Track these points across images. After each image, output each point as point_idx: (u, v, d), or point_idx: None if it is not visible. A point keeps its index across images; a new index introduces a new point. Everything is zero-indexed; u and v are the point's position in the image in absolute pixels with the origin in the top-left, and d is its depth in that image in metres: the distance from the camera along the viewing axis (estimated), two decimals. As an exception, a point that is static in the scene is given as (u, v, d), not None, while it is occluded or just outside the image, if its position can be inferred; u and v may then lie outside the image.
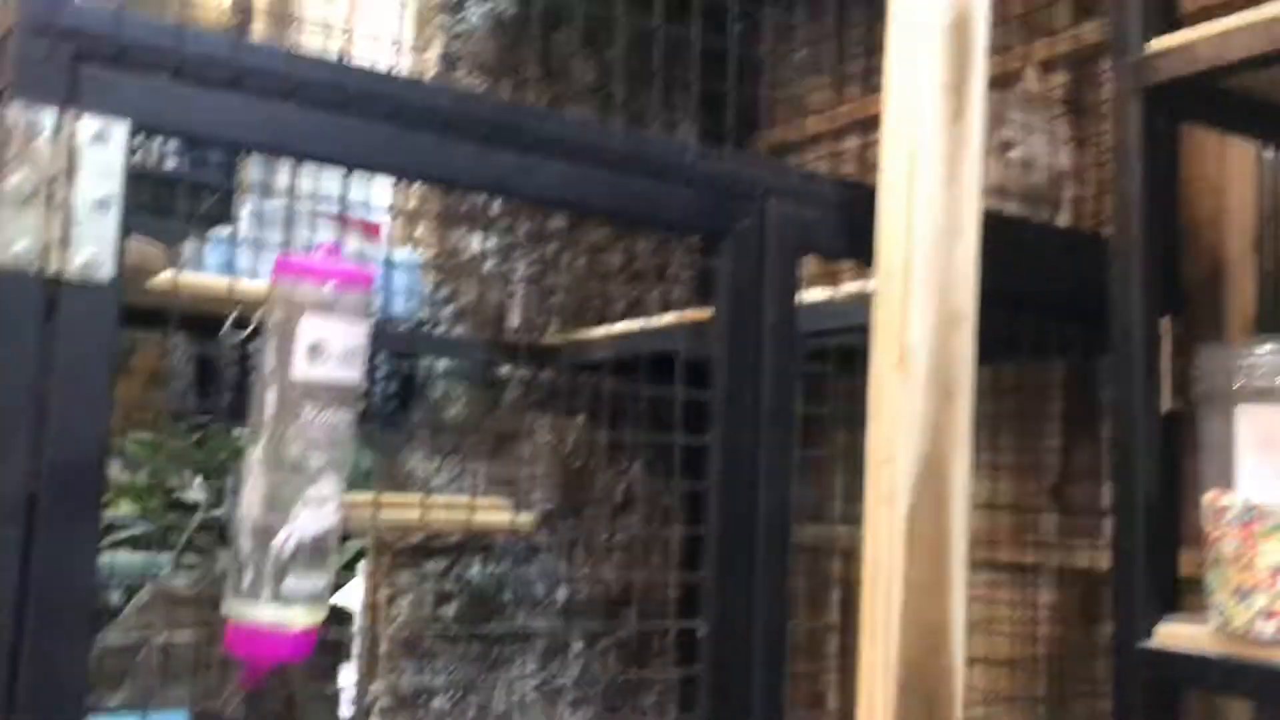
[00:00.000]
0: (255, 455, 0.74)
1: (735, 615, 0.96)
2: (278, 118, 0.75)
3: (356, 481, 1.89)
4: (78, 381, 0.70)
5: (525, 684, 1.84)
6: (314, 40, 0.82)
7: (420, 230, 1.85)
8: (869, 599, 0.95)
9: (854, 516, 1.68)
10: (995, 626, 1.39)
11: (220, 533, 1.98)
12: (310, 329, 0.72)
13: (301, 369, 0.72)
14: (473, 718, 1.79)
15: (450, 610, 1.79)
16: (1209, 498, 0.89)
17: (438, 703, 1.77)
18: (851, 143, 1.83)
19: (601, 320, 1.86)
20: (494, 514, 1.70)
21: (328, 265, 0.73)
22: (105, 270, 0.72)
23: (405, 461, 1.81)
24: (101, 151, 0.72)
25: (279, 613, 0.72)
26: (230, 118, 0.75)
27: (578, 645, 1.91)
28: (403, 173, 0.86)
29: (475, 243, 1.87)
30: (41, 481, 0.69)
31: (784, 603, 0.98)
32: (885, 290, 0.97)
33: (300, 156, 0.81)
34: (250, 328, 0.73)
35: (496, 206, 1.87)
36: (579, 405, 1.94)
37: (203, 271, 1.50)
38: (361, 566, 2.33)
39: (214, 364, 1.59)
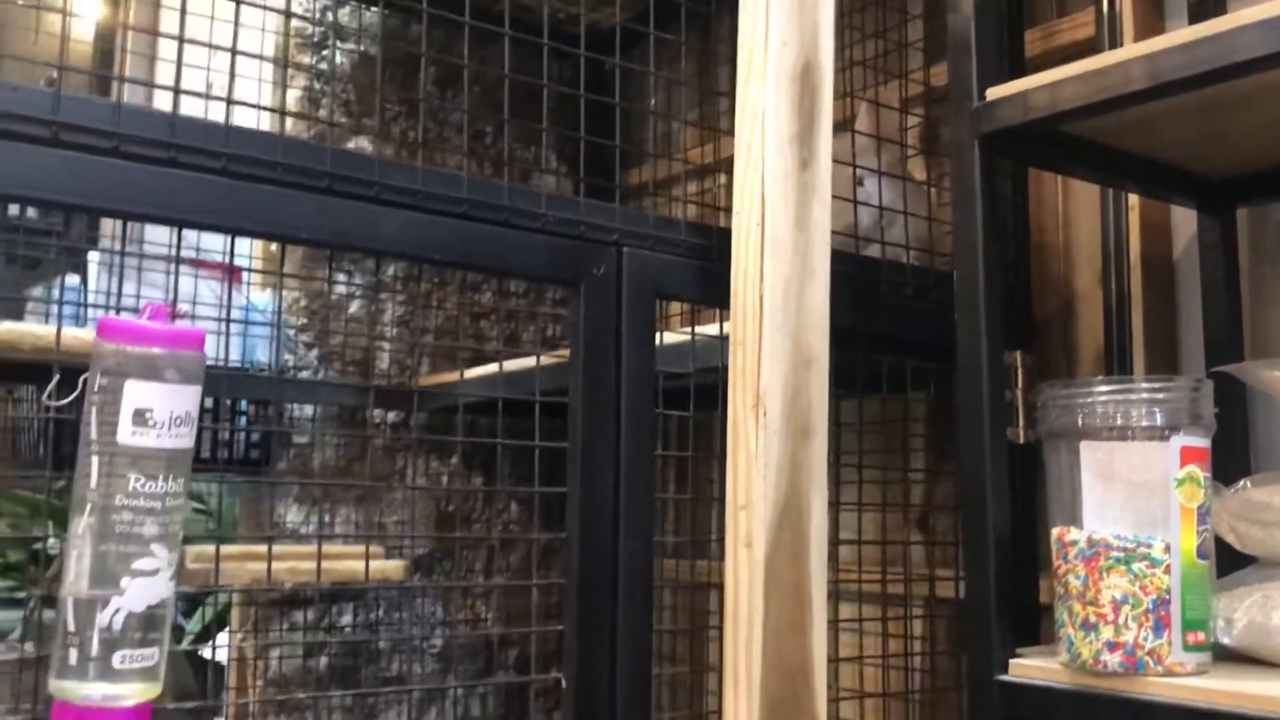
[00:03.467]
0: (80, 526, 0.70)
1: (597, 665, 0.95)
2: (99, 174, 0.73)
3: (222, 532, 1.83)
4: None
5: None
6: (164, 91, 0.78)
7: (283, 274, 1.80)
8: (730, 642, 0.94)
9: (708, 550, 1.69)
10: (866, 658, 1.40)
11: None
12: (135, 394, 0.69)
13: (126, 436, 0.69)
14: (347, 772, 1.74)
15: (322, 661, 1.75)
16: (1055, 533, 0.91)
17: (310, 759, 1.71)
18: (723, 179, 1.85)
19: (476, 360, 1.84)
20: (361, 563, 1.66)
21: (154, 327, 0.71)
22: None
23: (273, 509, 1.76)
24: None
25: (109, 689, 0.69)
26: (49, 177, 0.72)
27: (456, 691, 1.88)
28: (238, 230, 0.83)
29: (341, 285, 1.83)
30: None
31: (646, 651, 0.97)
32: (739, 334, 0.97)
33: (127, 216, 0.78)
34: (73, 392, 0.70)
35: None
36: (451, 448, 1.91)
37: (51, 322, 1.44)
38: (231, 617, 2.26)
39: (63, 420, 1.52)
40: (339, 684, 1.76)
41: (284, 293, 1.82)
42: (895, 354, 1.25)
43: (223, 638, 2.22)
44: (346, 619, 1.79)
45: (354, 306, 1.85)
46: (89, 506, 0.70)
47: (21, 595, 1.95)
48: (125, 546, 0.69)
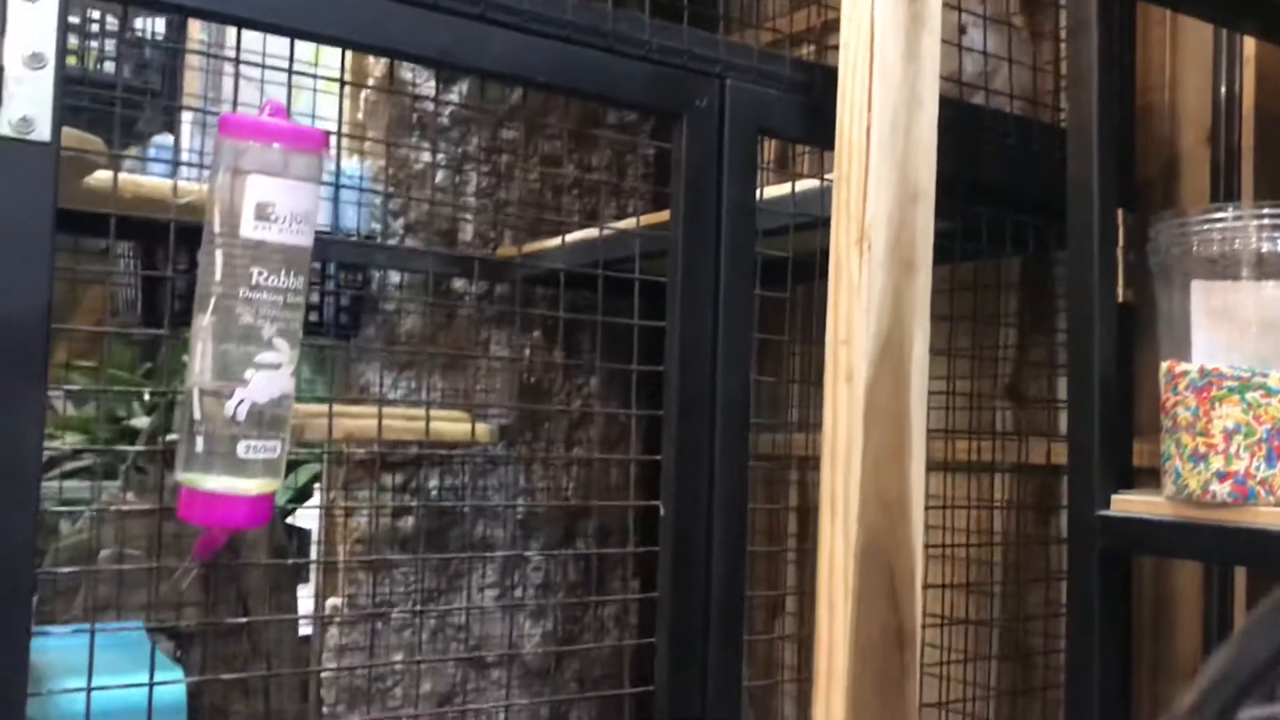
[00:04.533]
0: (203, 322, 0.72)
1: (695, 493, 0.96)
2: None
3: (311, 395, 1.87)
4: (17, 243, 0.68)
5: (485, 595, 1.84)
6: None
7: (369, 142, 1.81)
8: (828, 475, 0.95)
9: (808, 426, 1.69)
10: (952, 522, 1.40)
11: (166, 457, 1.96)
12: (257, 189, 0.70)
13: (249, 230, 0.70)
14: (432, 629, 1.79)
15: (408, 523, 1.79)
16: (1166, 365, 0.89)
17: (397, 614, 1.76)
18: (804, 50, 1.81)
19: (556, 234, 1.84)
20: (452, 425, 1.69)
21: (276, 123, 0.71)
22: (42, 130, 0.69)
23: (359, 375, 1.79)
24: (31, 6, 0.69)
25: (233, 479, 0.71)
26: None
27: (536, 557, 1.91)
28: (344, 40, 0.83)
29: (425, 155, 1.84)
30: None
31: (743, 481, 0.98)
32: (844, 167, 0.96)
33: (238, 21, 0.78)
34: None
35: (446, 117, 1.84)
36: (532, 322, 1.92)
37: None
38: (317, 487, 2.32)
39: (159, 273, 1.55)
40: (426, 546, 1.80)
41: (369, 162, 1.82)
42: (994, 207, 1.23)
43: (311, 503, 2.28)
44: (433, 482, 1.82)
45: (439, 177, 1.86)
46: (213, 301, 0.71)
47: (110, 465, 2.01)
48: (248, 339, 0.71)
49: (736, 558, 0.98)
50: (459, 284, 1.86)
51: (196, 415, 0.71)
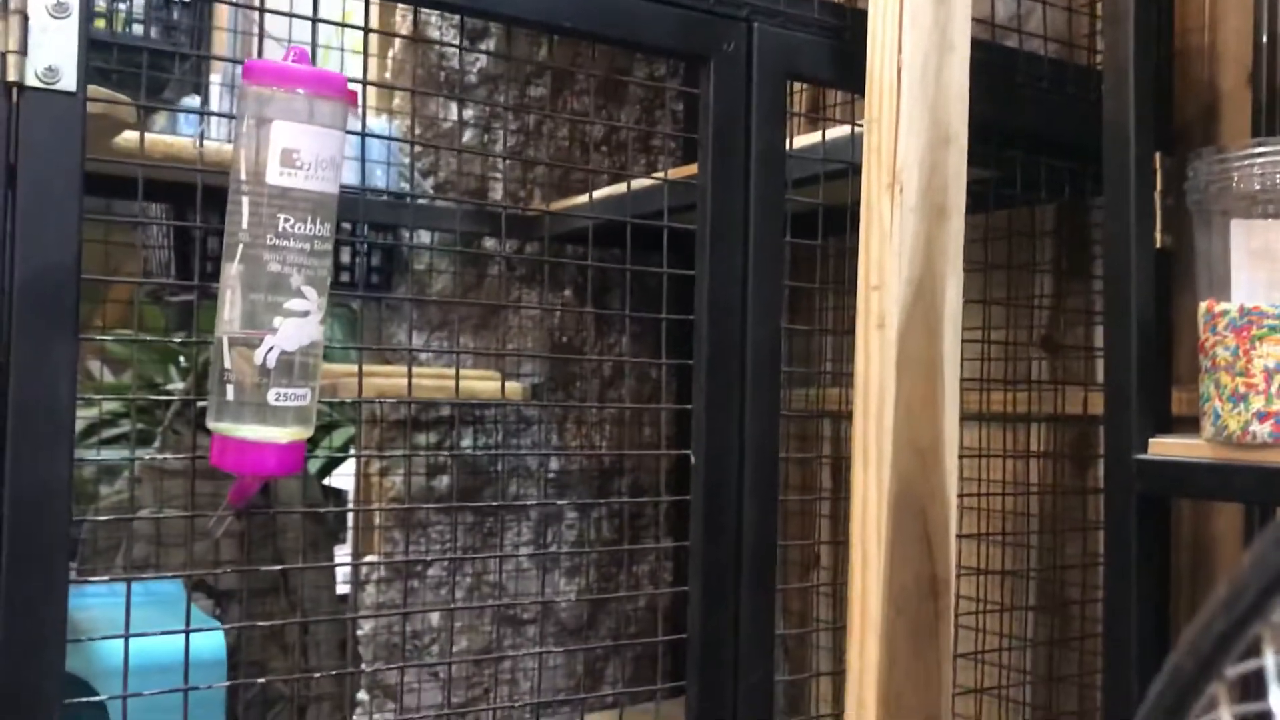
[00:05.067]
0: (231, 271, 0.72)
1: (725, 441, 0.95)
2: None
3: (343, 357, 1.88)
4: (46, 193, 0.68)
5: (520, 552, 1.85)
6: None
7: (397, 100, 1.81)
8: (860, 423, 0.94)
9: (842, 379, 1.68)
10: (987, 473, 1.39)
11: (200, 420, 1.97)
12: (283, 135, 0.70)
13: (275, 175, 0.70)
14: (468, 586, 1.80)
15: (443, 482, 1.79)
16: (1205, 305, 0.88)
17: (433, 572, 1.78)
18: None
19: (585, 193, 1.83)
20: (485, 384, 1.69)
21: (300, 68, 0.71)
22: (68, 80, 0.69)
23: (391, 336, 1.79)
24: (56, -46, 0.69)
25: (264, 426, 0.71)
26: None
27: (571, 515, 1.92)
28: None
29: (454, 113, 1.83)
30: (13, 298, 0.68)
31: (774, 429, 0.98)
32: (875, 111, 0.95)
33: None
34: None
35: (474, 75, 1.83)
36: (562, 280, 1.92)
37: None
38: (352, 449, 2.34)
39: (188, 234, 1.56)
40: (459, 505, 1.81)
41: (397, 121, 1.82)
42: (1029, 152, 1.21)
43: (346, 467, 2.29)
44: (466, 442, 1.83)
45: (467, 135, 1.85)
46: (240, 249, 0.71)
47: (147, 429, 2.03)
48: (276, 287, 0.71)
49: (768, 505, 0.97)
50: (489, 243, 1.86)
51: (226, 364, 0.71)
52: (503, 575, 1.83)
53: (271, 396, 0.71)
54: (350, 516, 1.81)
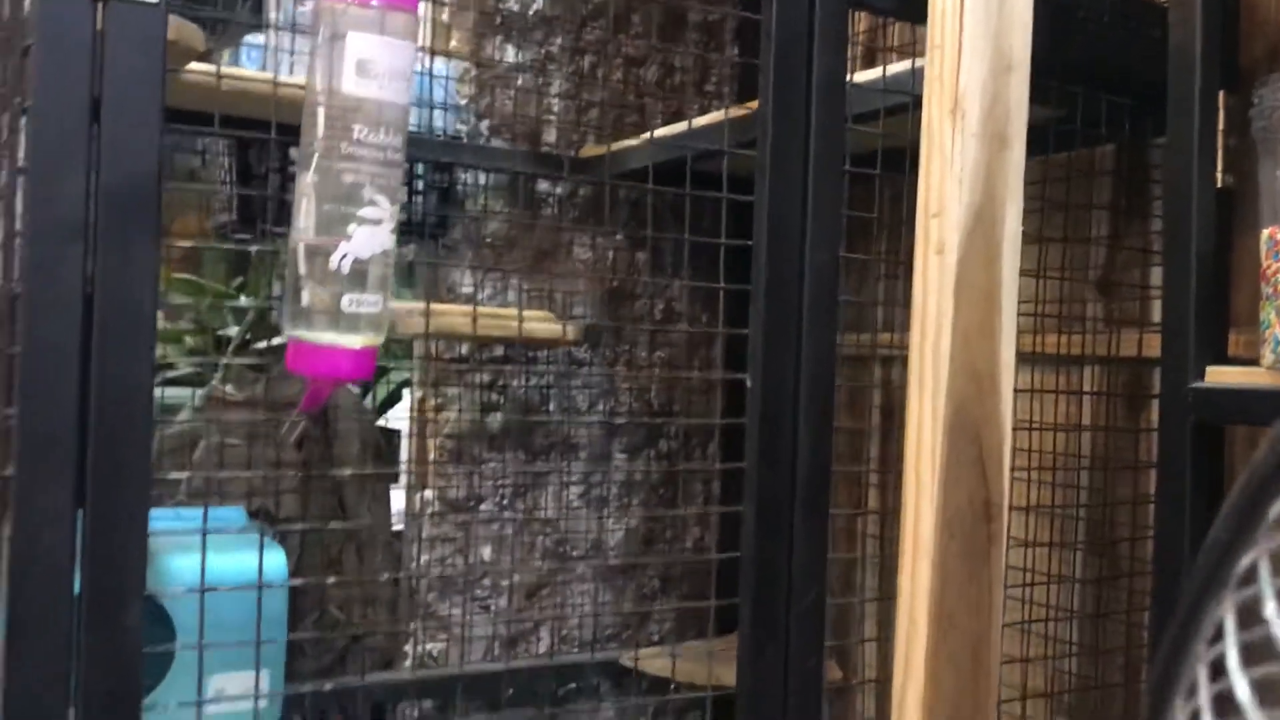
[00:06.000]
0: (306, 180, 0.74)
1: (783, 366, 0.96)
2: None
3: (398, 297, 1.90)
4: (130, 100, 0.70)
5: (570, 491, 1.88)
6: None
7: (454, 42, 1.82)
8: (917, 348, 0.95)
9: (894, 323, 1.68)
10: (1041, 414, 1.39)
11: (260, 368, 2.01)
12: (357, 45, 0.71)
13: (350, 85, 0.71)
14: (520, 522, 1.83)
15: (496, 420, 1.82)
16: (1268, 232, 0.88)
17: (486, 507, 1.81)
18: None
19: (638, 134, 1.84)
20: (539, 324, 1.71)
21: (373, -19, 0.72)
22: (149, -9, 0.71)
23: (446, 277, 1.82)
24: None
25: (337, 332, 0.73)
26: None
27: (620, 456, 1.94)
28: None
29: (510, 55, 1.84)
30: (98, 202, 0.70)
31: (830, 357, 0.99)
32: (937, 37, 0.95)
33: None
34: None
35: (531, 14, 1.84)
36: (617, 220, 1.93)
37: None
38: (406, 392, 2.37)
39: (251, 172, 1.59)
40: (511, 445, 1.84)
41: (453, 63, 1.83)
42: (1090, 89, 1.20)
43: (401, 409, 2.33)
44: (519, 383, 1.85)
45: (520, 80, 1.86)
46: (315, 157, 0.73)
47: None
48: (350, 195, 0.73)
49: (823, 431, 0.98)
50: (543, 186, 1.87)
51: (302, 270, 0.73)
52: (559, 510, 1.85)
53: (345, 303, 0.73)
54: (405, 452, 1.84)
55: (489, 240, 1.83)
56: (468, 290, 1.81)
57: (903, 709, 0.93)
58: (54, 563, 0.67)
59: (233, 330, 2.56)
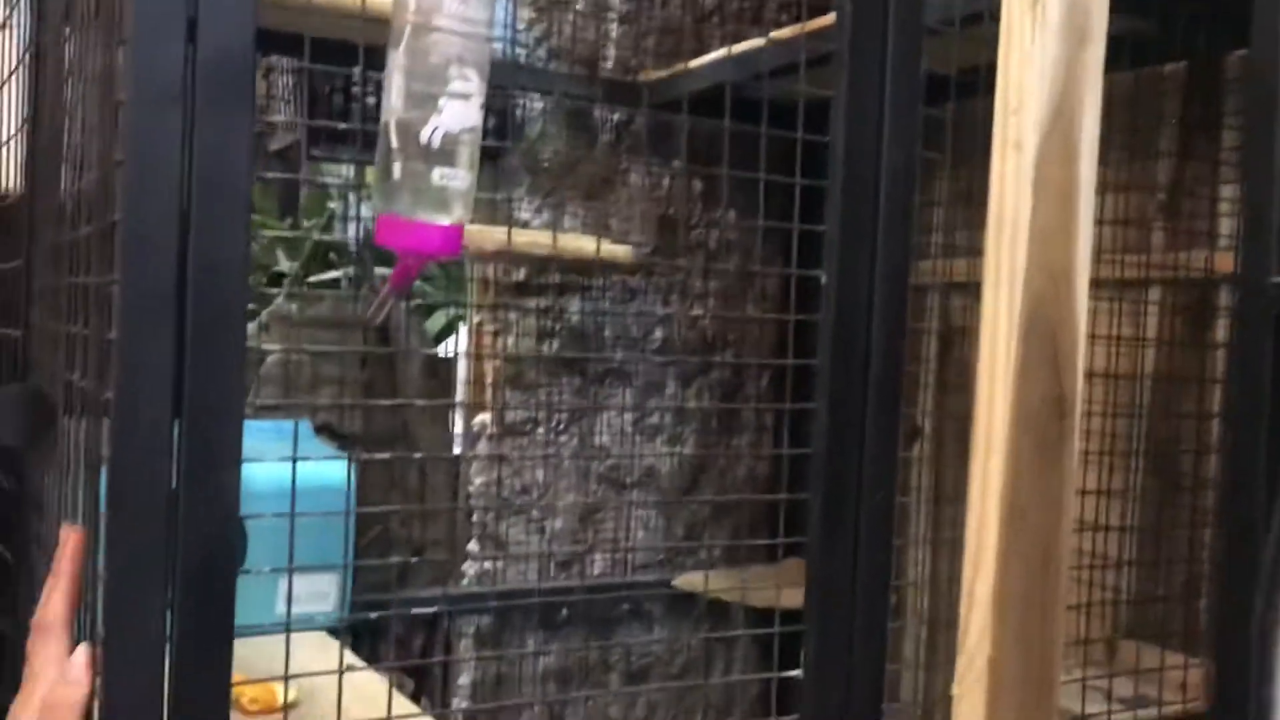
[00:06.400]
0: (397, 55, 0.74)
1: (857, 264, 0.97)
2: None
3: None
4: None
5: (624, 418, 1.90)
6: None
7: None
8: (993, 247, 0.95)
9: (952, 250, 1.67)
10: (1108, 331, 1.38)
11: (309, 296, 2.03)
12: (449, -82, 0.72)
13: (442, -42, 0.72)
14: (575, 447, 1.85)
15: (552, 346, 1.84)
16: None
17: (541, 432, 1.83)
18: None
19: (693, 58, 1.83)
20: (594, 245, 1.72)
21: None
22: None
23: (503, 202, 1.82)
24: None
25: (427, 206, 0.74)
26: None
27: (671, 386, 1.95)
28: None
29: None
30: (195, 70, 0.70)
31: (905, 256, 0.99)
32: (1018, -69, 0.94)
33: None
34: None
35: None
36: (674, 150, 1.93)
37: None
38: (462, 324, 2.40)
39: (317, 91, 1.60)
40: (566, 369, 1.86)
41: (513, -11, 1.83)
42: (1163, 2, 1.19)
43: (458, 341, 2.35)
44: (574, 308, 1.86)
45: (580, 3, 1.86)
46: (405, 30, 0.74)
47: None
48: (440, 69, 0.73)
49: (897, 330, 0.99)
50: (600, 113, 1.87)
51: (393, 144, 0.74)
52: (613, 437, 1.87)
53: (435, 176, 0.74)
54: (462, 373, 1.86)
55: (546, 166, 1.84)
56: (524, 216, 1.82)
57: (971, 604, 0.94)
58: (153, 416, 0.68)
59: (285, 266, 2.59)
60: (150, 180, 0.70)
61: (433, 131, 0.73)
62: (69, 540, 0.70)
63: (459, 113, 0.74)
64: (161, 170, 0.70)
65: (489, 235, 1.58)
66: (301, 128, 1.63)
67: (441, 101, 0.74)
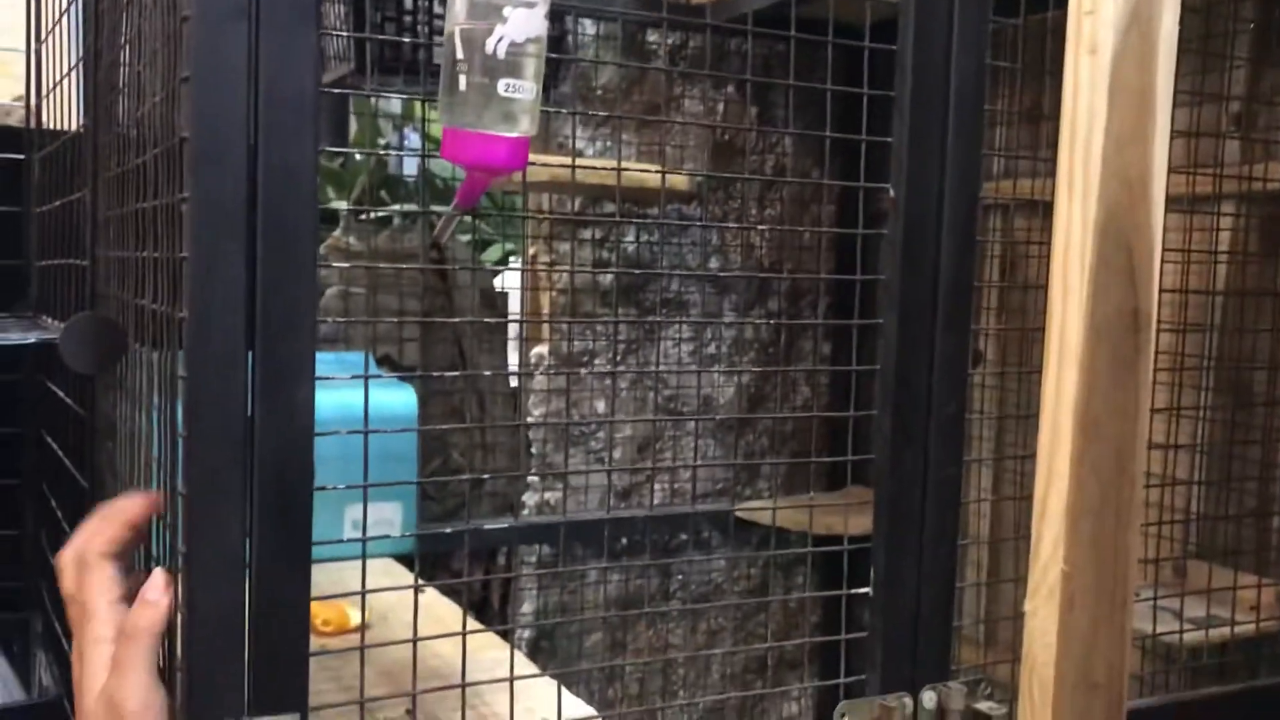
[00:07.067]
0: (460, -33, 0.73)
1: (927, 178, 0.95)
2: None
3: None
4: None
5: (680, 348, 1.89)
6: None
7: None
8: (1066, 154, 0.92)
9: (1015, 170, 1.64)
10: (1172, 255, 1.35)
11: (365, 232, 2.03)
12: None
13: None
14: (631, 378, 1.85)
15: (607, 278, 1.83)
16: None
17: (598, 363, 1.83)
18: None
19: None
20: (649, 175, 1.70)
21: None
22: None
23: (557, 131, 1.81)
24: None
25: (493, 119, 0.73)
26: None
27: (729, 314, 1.94)
28: None
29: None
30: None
31: (976, 171, 0.97)
32: None
33: None
34: None
35: None
36: (726, 73, 1.90)
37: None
38: (514, 259, 2.40)
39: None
40: (623, 299, 1.85)
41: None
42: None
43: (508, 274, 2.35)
44: (629, 239, 1.85)
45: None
46: (471, -57, 0.72)
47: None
48: (505, -22, 0.72)
49: (966, 244, 0.97)
50: (653, 37, 1.85)
51: (459, 54, 0.73)
52: (671, 366, 1.87)
53: (501, 87, 0.73)
54: (518, 309, 1.86)
55: (599, 93, 1.82)
56: (578, 144, 1.80)
57: (1044, 517, 0.93)
58: (227, 333, 0.68)
59: (335, 205, 2.60)
60: (217, 95, 0.70)
61: (498, 41, 0.72)
62: (140, 500, 0.71)
63: (524, 22, 0.73)
64: (228, 84, 0.70)
65: (546, 166, 1.57)
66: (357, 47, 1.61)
67: (506, 10, 0.72)
